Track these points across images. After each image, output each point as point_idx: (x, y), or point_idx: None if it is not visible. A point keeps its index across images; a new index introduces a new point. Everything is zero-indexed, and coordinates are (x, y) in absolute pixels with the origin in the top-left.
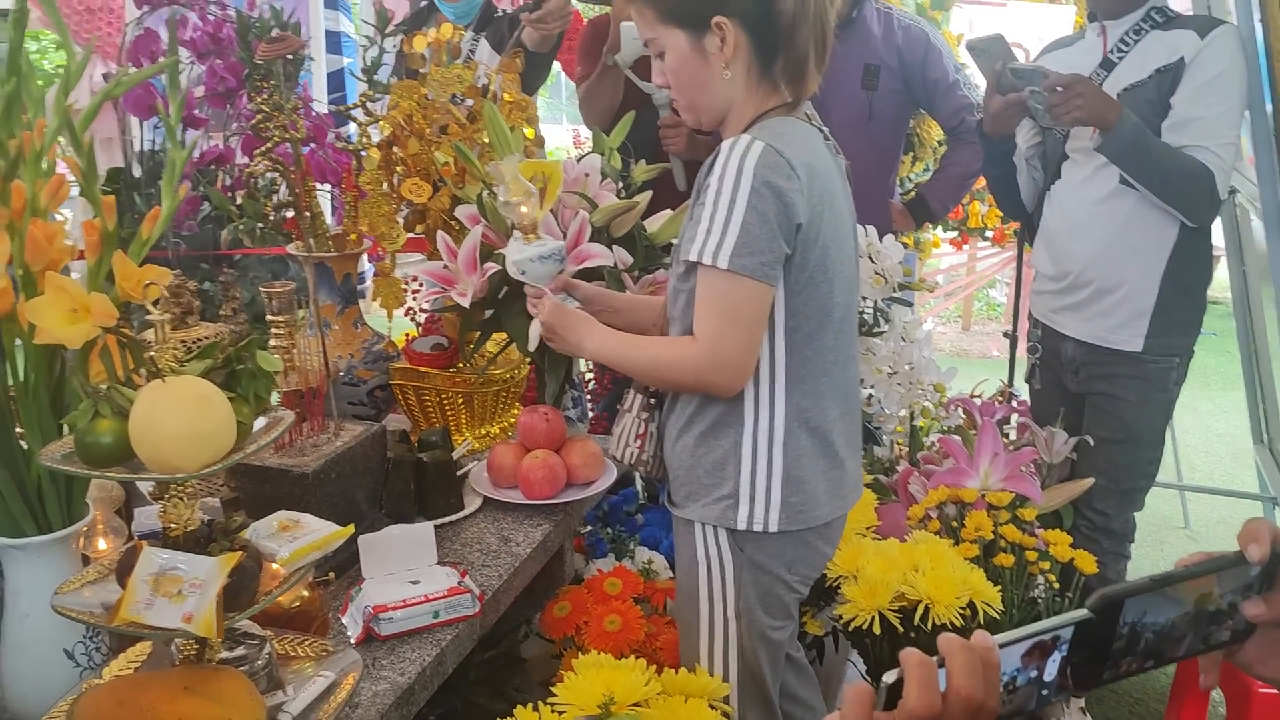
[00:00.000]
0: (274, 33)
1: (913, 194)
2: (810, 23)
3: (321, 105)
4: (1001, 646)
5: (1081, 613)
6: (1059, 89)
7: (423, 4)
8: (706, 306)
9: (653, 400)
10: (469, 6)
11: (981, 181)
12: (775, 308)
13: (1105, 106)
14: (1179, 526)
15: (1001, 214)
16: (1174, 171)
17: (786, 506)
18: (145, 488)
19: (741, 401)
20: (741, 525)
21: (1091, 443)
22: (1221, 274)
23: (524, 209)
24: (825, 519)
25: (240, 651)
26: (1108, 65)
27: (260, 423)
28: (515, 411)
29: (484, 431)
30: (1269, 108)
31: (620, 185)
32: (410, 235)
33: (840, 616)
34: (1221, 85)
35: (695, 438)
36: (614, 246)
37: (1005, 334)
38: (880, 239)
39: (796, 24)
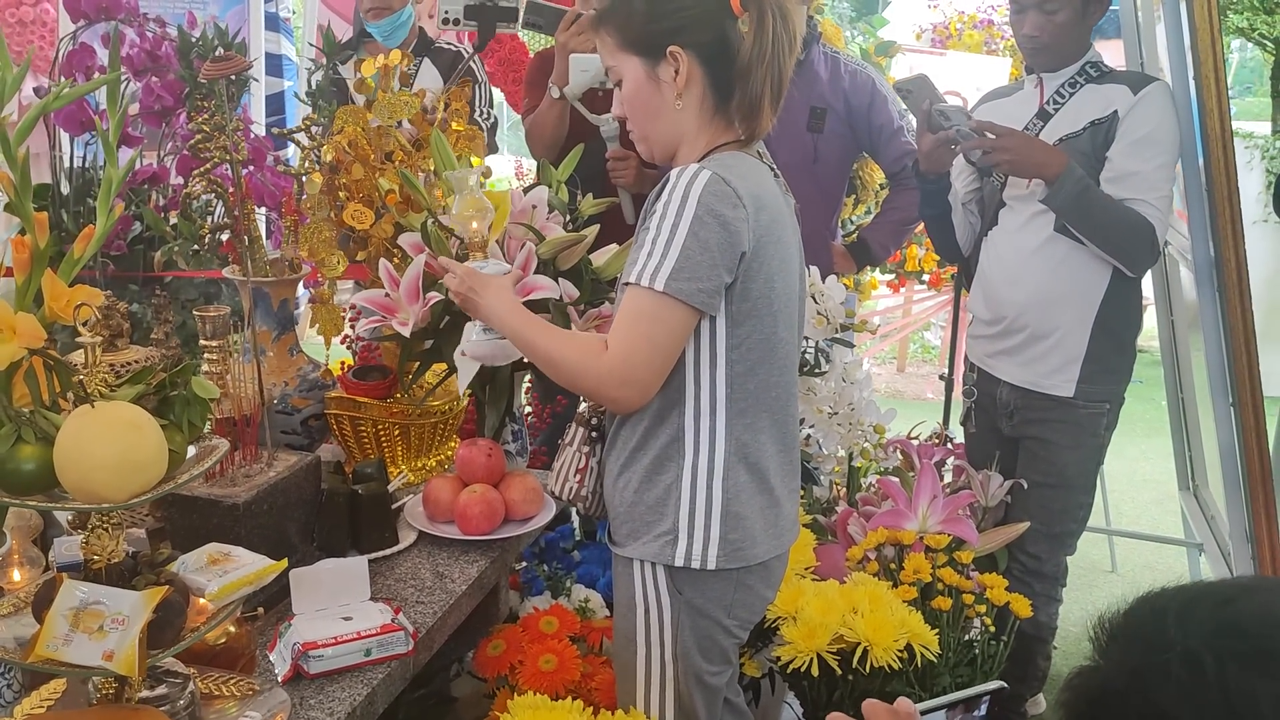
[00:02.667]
0: (219, 52)
1: (854, 236)
2: (767, 63)
3: (260, 128)
4: (924, 714)
5: (996, 683)
6: (989, 135)
7: (350, 36)
8: (628, 322)
9: (594, 435)
10: (392, 26)
11: (920, 225)
12: (716, 338)
13: (1045, 159)
14: (1107, 570)
15: (938, 258)
16: (1116, 224)
17: (725, 544)
18: (64, 517)
19: (683, 435)
20: (679, 562)
21: (1025, 486)
22: (1149, 322)
23: (474, 224)
24: (763, 558)
25: (161, 690)
26: (1044, 116)
27: (191, 451)
28: (453, 444)
29: (421, 464)
30: (1200, 162)
31: (567, 218)
32: (350, 262)
33: (778, 658)
34: (1156, 140)
35: (640, 474)
36: (560, 279)
37: (941, 377)
38: (823, 280)
39: (753, 62)
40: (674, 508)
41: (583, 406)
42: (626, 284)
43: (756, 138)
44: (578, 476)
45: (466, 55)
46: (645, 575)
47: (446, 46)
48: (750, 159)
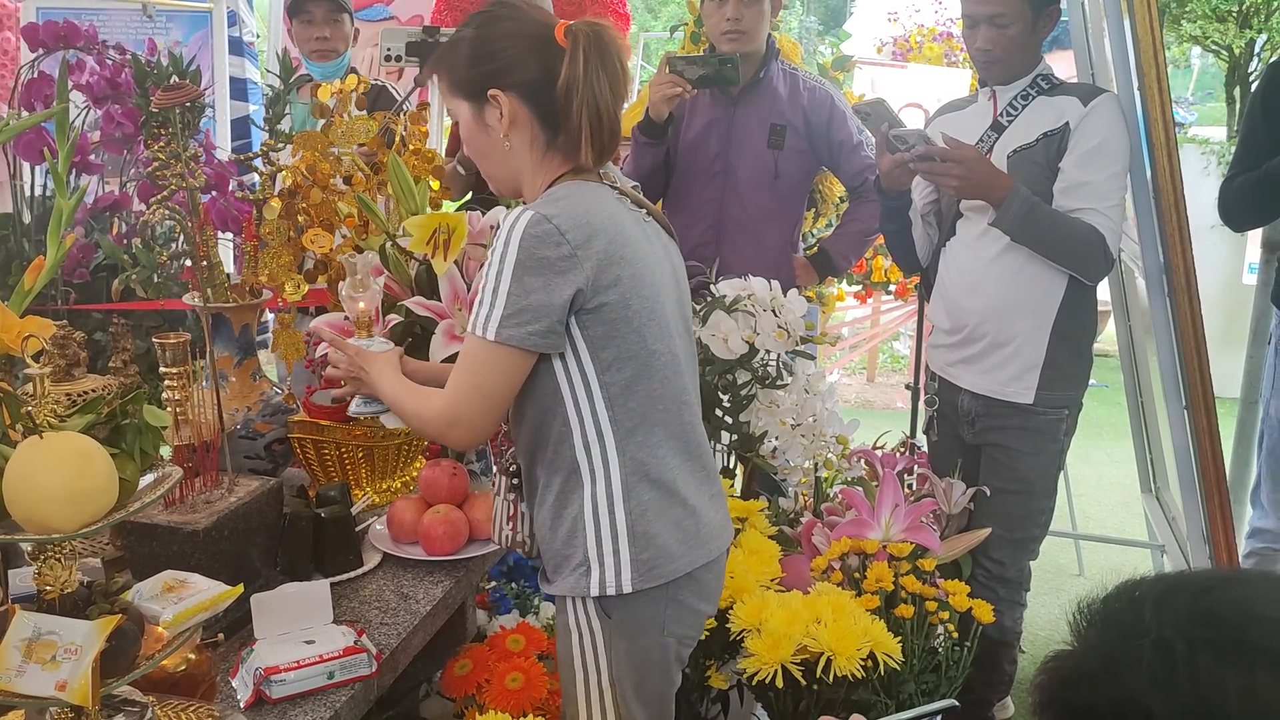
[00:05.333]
0: (172, 80)
1: (815, 249)
2: (580, 94)
3: (225, 152)
4: None
5: (949, 701)
6: (935, 159)
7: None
8: (460, 370)
9: (515, 481)
10: (337, 68)
11: (881, 237)
12: (584, 366)
13: (991, 183)
14: (1074, 574)
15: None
16: (1067, 238)
17: (638, 565)
18: (26, 546)
19: (578, 467)
20: (595, 591)
21: (988, 493)
22: (1111, 328)
23: (361, 305)
24: (684, 570)
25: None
26: (998, 128)
27: (147, 479)
28: (418, 465)
29: (385, 486)
30: (1148, 172)
31: None
32: (311, 286)
33: (744, 670)
34: (1106, 150)
35: (549, 511)
36: None
37: (907, 386)
38: (785, 293)
39: (569, 93)
40: (582, 539)
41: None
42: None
43: (600, 163)
44: (510, 524)
45: (390, 89)
46: (575, 606)
47: (374, 81)
48: (589, 185)
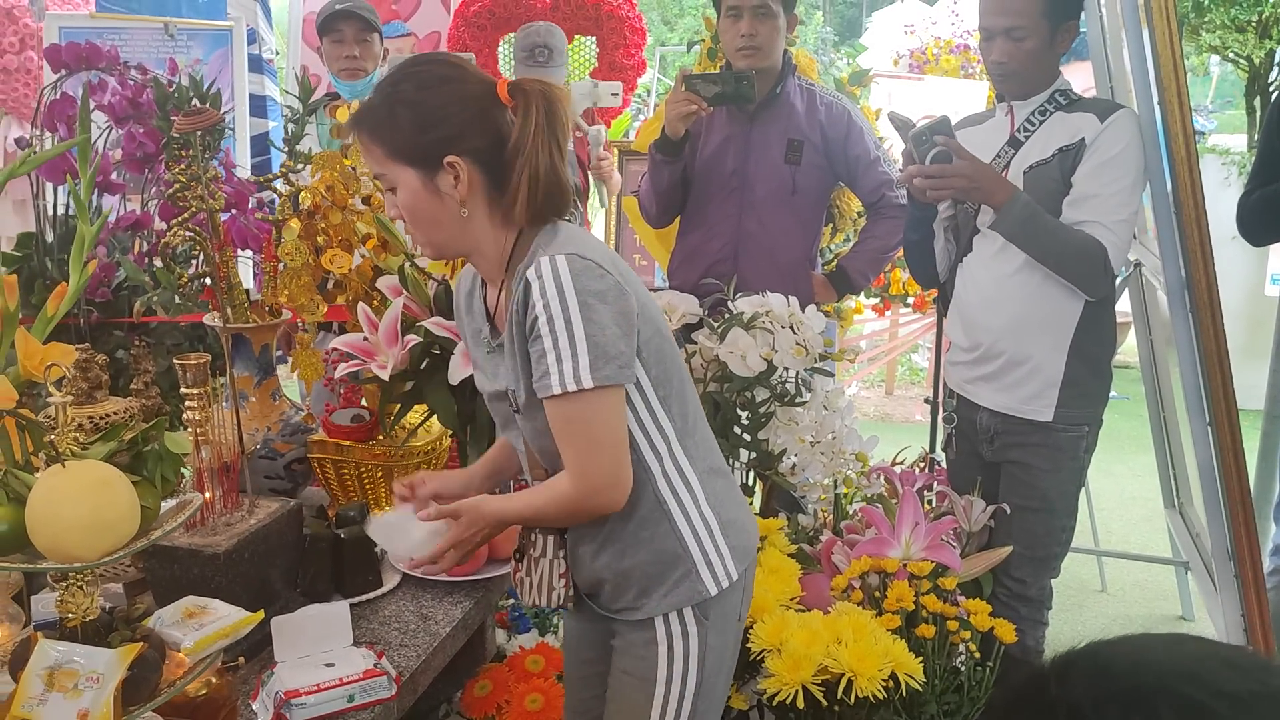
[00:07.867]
0: (192, 104)
1: (833, 265)
2: (526, 154)
3: (244, 170)
4: None
5: None
6: (937, 175)
7: (324, 89)
8: (567, 437)
9: (565, 536)
10: (366, 86)
11: (899, 252)
12: (645, 391)
13: (994, 187)
14: (1096, 590)
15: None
16: (1067, 248)
17: (735, 551)
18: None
19: (658, 489)
20: (713, 590)
21: (1008, 511)
22: (1132, 339)
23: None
24: (756, 539)
25: None
26: (1015, 144)
27: (168, 504)
28: None
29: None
30: (1169, 185)
31: None
32: (330, 305)
33: (764, 690)
34: (1119, 164)
35: (627, 540)
36: None
37: (926, 400)
38: (803, 309)
39: (513, 154)
40: (680, 550)
41: None
42: (551, 397)
43: (562, 213)
44: (563, 580)
45: None
46: (669, 619)
47: None
48: (567, 225)
